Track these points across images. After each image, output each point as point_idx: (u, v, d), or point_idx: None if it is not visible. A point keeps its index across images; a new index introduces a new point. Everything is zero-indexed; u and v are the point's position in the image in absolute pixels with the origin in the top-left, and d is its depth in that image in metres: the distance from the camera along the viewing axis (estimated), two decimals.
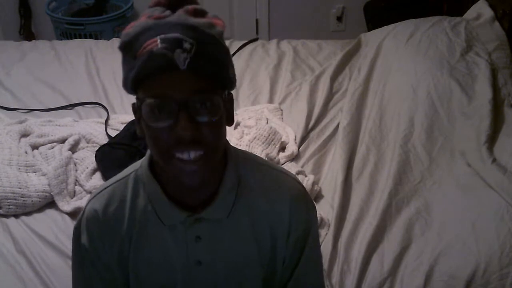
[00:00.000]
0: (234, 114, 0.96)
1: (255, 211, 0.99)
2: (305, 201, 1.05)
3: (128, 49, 0.86)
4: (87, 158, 1.86)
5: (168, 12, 0.87)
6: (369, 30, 3.00)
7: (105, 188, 1.02)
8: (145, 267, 1.02)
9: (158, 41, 0.82)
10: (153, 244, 1.00)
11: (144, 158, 0.99)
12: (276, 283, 1.07)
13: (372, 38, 2.39)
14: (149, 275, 1.03)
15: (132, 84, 0.86)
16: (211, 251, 1.00)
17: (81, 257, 1.03)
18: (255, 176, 1.00)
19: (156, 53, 0.82)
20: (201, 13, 0.87)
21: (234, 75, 0.92)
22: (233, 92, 0.94)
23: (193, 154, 0.86)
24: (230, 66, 0.90)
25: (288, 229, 1.01)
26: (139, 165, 0.99)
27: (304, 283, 1.07)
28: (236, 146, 1.15)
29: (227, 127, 0.93)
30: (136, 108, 0.89)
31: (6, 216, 1.67)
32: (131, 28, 0.87)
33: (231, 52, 2.02)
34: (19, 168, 1.79)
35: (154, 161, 0.96)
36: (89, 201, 1.02)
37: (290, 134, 2.00)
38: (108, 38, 2.92)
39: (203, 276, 1.02)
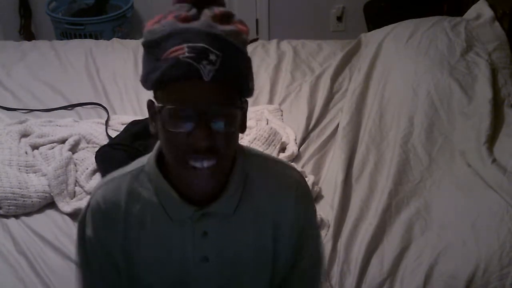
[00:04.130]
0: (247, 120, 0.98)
1: (260, 206, 1.01)
2: (307, 195, 1.08)
3: (151, 49, 0.88)
4: (87, 158, 1.86)
5: (193, 10, 0.87)
6: (369, 30, 2.99)
7: (110, 180, 1.02)
8: (151, 263, 1.03)
9: (185, 49, 0.84)
10: (159, 240, 1.01)
11: (150, 154, 1.00)
12: (280, 277, 1.08)
13: (372, 38, 2.39)
14: (155, 271, 1.03)
15: (153, 85, 0.88)
16: (218, 246, 1.01)
17: (86, 250, 1.04)
18: (261, 171, 1.02)
19: (182, 61, 0.84)
20: (227, 19, 0.89)
21: (253, 84, 0.94)
22: None
23: (206, 163, 0.88)
24: (251, 77, 0.92)
25: (291, 223, 1.03)
26: (146, 161, 1.00)
27: (304, 274, 1.08)
28: None
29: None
30: (150, 105, 0.91)
31: (6, 216, 1.67)
32: (157, 26, 0.88)
33: None
34: (19, 169, 1.79)
35: (165, 160, 0.96)
36: (94, 193, 1.02)
37: (290, 135, 2.00)
38: (108, 38, 2.91)
39: (209, 273, 1.03)
